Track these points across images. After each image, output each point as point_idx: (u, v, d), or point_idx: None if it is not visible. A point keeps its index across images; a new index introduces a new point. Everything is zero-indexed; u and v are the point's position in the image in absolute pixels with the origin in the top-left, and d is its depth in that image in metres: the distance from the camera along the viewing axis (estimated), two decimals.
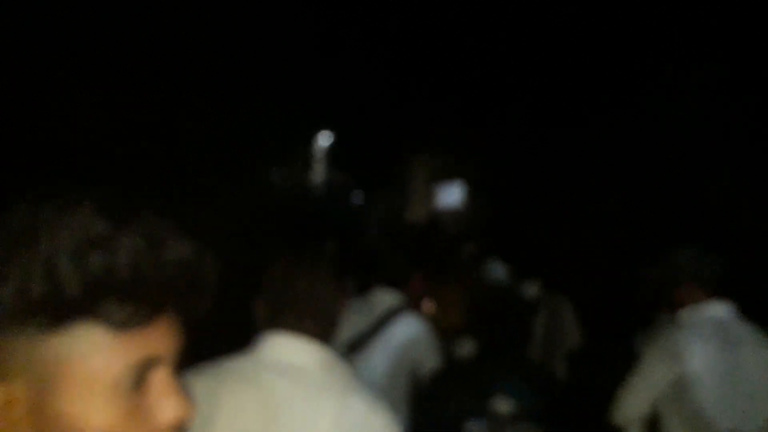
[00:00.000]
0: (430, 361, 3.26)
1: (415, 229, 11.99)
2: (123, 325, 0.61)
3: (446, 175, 20.61)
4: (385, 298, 3.43)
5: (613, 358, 3.84)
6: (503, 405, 2.47)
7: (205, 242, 0.66)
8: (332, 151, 20.40)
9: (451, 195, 21.32)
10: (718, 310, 2.55)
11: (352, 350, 3.18)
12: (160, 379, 0.67)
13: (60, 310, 0.58)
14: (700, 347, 2.39)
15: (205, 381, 1.32)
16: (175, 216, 0.67)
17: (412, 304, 3.73)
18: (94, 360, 0.60)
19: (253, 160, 9.56)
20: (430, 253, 7.31)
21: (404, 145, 20.93)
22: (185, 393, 0.68)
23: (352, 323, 3.16)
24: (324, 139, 19.67)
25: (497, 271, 5.98)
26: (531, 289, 5.44)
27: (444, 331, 4.11)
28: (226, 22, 8.26)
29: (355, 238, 11.22)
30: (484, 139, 18.05)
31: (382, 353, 3.23)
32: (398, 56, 17.23)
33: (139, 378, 0.64)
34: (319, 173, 19.94)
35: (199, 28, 7.72)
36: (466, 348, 3.70)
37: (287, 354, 1.37)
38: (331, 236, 11.30)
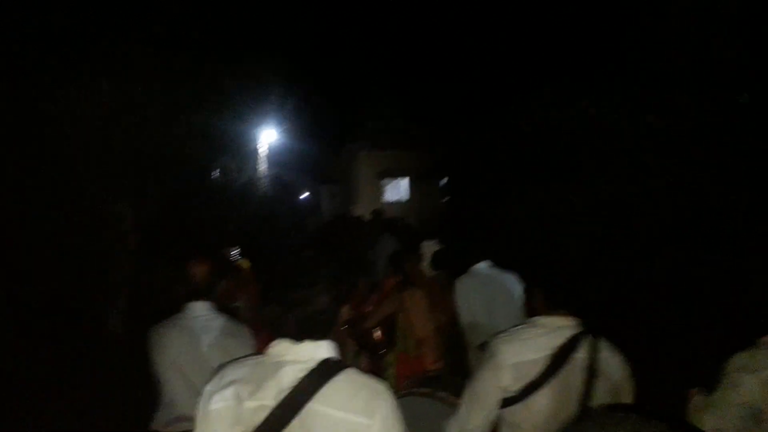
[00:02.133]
0: None
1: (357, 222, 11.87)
2: None
3: (393, 170, 20.75)
4: None
5: None
6: None
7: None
8: (277, 148, 20.18)
9: (398, 190, 21.48)
10: None
11: None
12: None
13: None
14: None
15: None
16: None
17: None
18: None
19: (194, 156, 9.26)
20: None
21: (350, 141, 20.97)
22: None
23: None
24: (269, 137, 19.40)
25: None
26: None
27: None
28: (170, 19, 8.09)
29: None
30: (428, 134, 18.25)
31: None
32: (344, 52, 17.21)
33: None
34: (263, 170, 19.69)
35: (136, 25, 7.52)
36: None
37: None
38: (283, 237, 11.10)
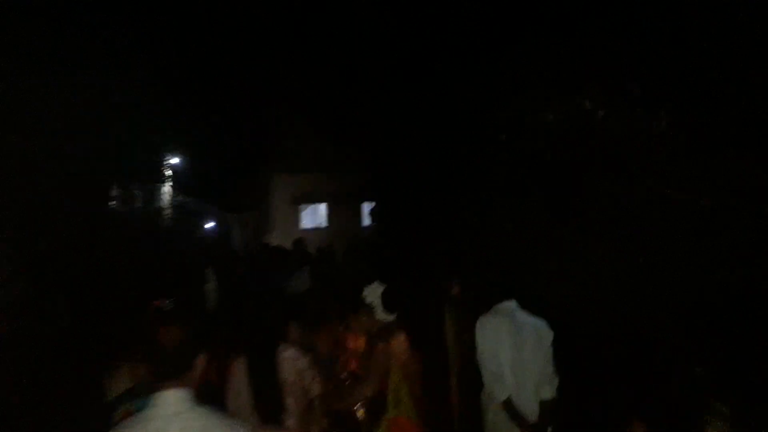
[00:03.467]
0: None
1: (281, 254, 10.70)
2: None
3: (310, 194, 19.44)
4: None
5: None
6: None
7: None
8: (184, 172, 18.28)
9: (316, 216, 20.17)
10: None
11: None
12: None
13: None
14: None
15: None
16: None
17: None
18: None
19: (92, 179, 7.82)
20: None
21: (264, 164, 19.46)
22: None
23: None
24: (174, 160, 17.53)
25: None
26: None
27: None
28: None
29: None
30: (347, 156, 17.23)
31: None
32: (255, 68, 15.90)
33: None
34: (168, 196, 17.72)
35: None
36: None
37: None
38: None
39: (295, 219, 19.85)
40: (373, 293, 3.34)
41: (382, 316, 3.25)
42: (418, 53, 9.83)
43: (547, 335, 3.39)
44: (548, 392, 3.32)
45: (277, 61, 14.36)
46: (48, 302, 6.17)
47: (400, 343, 3.14)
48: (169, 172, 18.04)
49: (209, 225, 21.60)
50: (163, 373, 1.85)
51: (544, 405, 3.31)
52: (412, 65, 10.04)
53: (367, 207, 18.98)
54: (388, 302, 3.35)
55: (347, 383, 3.44)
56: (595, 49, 5.48)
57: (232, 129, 17.95)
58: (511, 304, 3.44)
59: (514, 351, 3.31)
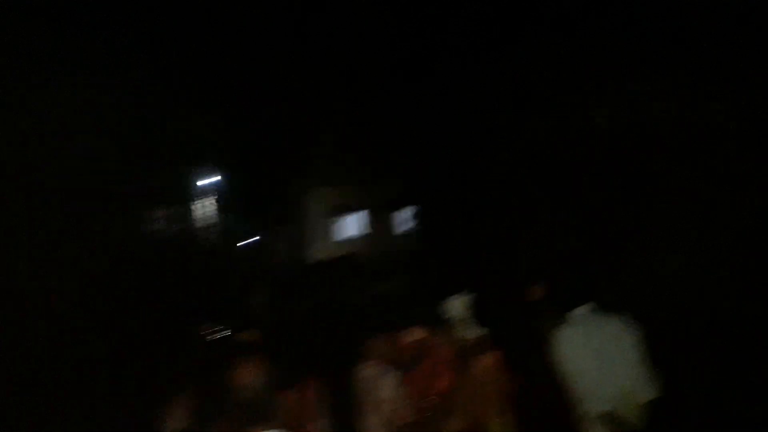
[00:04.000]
0: None
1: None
2: None
3: (347, 205, 19.50)
4: None
5: None
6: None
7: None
8: (219, 189, 18.57)
9: (354, 225, 20.21)
10: None
11: None
12: None
13: None
14: None
15: None
16: None
17: None
18: None
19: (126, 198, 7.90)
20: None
21: (299, 178, 19.62)
22: None
23: None
24: (210, 177, 17.84)
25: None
26: None
27: None
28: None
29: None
30: (382, 166, 17.22)
31: None
32: (285, 82, 16.08)
33: None
34: (205, 214, 18.02)
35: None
36: None
37: None
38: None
39: (330, 230, 19.91)
40: (458, 306, 2.93)
41: (469, 332, 2.87)
42: (447, 57, 9.74)
43: (632, 333, 3.14)
44: (648, 394, 3.09)
45: (310, 77, 14.43)
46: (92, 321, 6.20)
47: (492, 364, 2.79)
48: (204, 189, 18.34)
49: (248, 241, 21.90)
50: (249, 420, 1.53)
51: (645, 408, 3.08)
52: (440, 69, 9.97)
53: (399, 215, 18.93)
54: (479, 315, 2.92)
55: (432, 414, 3.00)
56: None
57: (266, 142, 18.15)
58: (585, 309, 3.19)
59: (600, 359, 3.05)
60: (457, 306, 2.90)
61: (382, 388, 2.62)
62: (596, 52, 5.76)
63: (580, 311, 3.17)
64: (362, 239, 19.55)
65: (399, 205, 17.78)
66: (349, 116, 15.07)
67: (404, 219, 18.05)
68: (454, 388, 2.81)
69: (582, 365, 3.03)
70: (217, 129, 13.58)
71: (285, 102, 15.62)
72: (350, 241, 19.65)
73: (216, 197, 17.60)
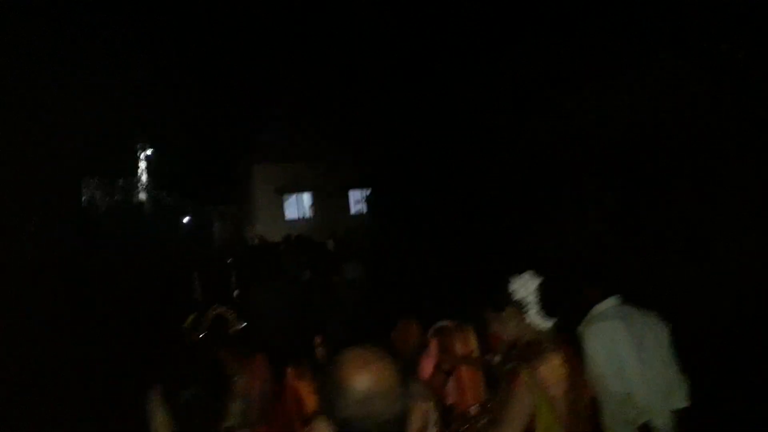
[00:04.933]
0: None
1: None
2: None
3: (294, 185, 18.66)
4: None
5: None
6: None
7: None
8: (159, 166, 17.35)
9: (300, 206, 19.42)
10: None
11: None
12: None
13: None
14: None
15: None
16: None
17: None
18: None
19: (61, 172, 7.11)
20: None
21: (244, 155, 18.61)
22: None
23: None
24: (149, 153, 16.65)
25: None
26: None
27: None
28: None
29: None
30: (333, 145, 16.56)
31: None
32: (233, 55, 15.10)
33: None
34: (143, 191, 16.80)
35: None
36: None
37: None
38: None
39: (279, 210, 19.08)
40: (527, 287, 2.26)
41: (536, 321, 2.23)
42: (402, 43, 9.35)
43: (664, 330, 2.73)
44: (681, 400, 2.71)
45: (256, 50, 13.61)
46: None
47: (554, 368, 2.14)
48: (142, 165, 17.15)
49: (186, 219, 20.62)
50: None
51: (678, 417, 2.69)
52: (399, 55, 9.53)
53: (354, 195, 18.30)
54: (548, 302, 2.24)
55: (478, 424, 2.42)
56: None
57: (211, 119, 17.08)
58: (616, 301, 2.74)
59: (637, 360, 2.64)
60: (528, 286, 2.22)
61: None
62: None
63: (609, 303, 2.74)
64: (312, 220, 18.83)
65: (355, 186, 17.20)
66: (304, 90, 14.31)
67: (360, 200, 17.50)
68: (500, 401, 2.17)
69: (620, 367, 2.61)
70: (159, 100, 12.58)
71: (235, 77, 14.71)
72: (295, 220, 18.89)
73: (156, 173, 16.51)
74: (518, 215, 6.17)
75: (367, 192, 13.44)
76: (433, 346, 2.84)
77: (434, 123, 8.40)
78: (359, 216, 16.79)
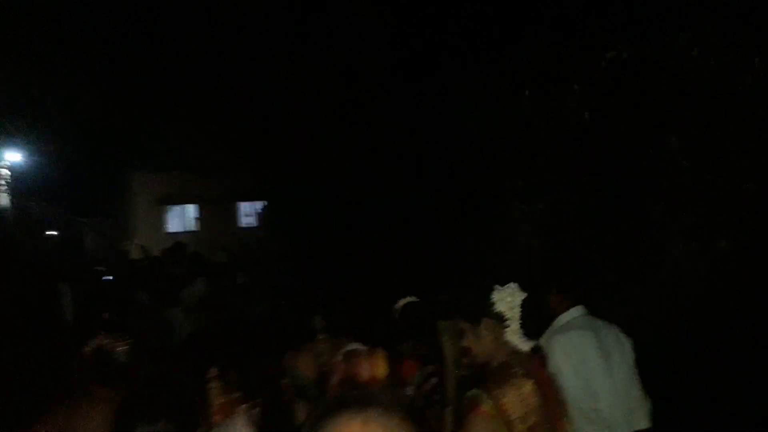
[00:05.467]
0: None
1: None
2: None
3: (177, 195, 17.97)
4: None
5: None
6: None
7: None
8: (23, 173, 15.95)
9: (183, 218, 18.72)
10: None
11: None
12: None
13: None
14: None
15: None
16: None
17: None
18: None
19: None
20: None
21: (122, 164, 17.63)
22: None
23: None
24: (12, 158, 15.29)
25: None
26: None
27: None
28: None
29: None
30: (221, 155, 16.20)
31: None
32: (115, 56, 14.37)
33: None
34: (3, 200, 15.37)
35: None
36: None
37: None
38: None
39: (160, 222, 18.30)
40: (509, 300, 1.98)
41: (514, 340, 1.95)
42: (294, 50, 9.46)
43: (629, 345, 2.62)
44: (643, 421, 2.56)
45: (142, 47, 13.04)
46: None
47: (523, 397, 1.83)
48: (5, 172, 15.80)
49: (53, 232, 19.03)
50: None
51: None
52: (297, 62, 9.60)
53: (244, 208, 17.99)
54: (531, 321, 1.99)
55: None
56: None
57: (85, 124, 16.08)
58: (582, 312, 2.63)
59: (606, 373, 2.51)
60: (511, 299, 1.99)
61: None
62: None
63: (574, 313, 2.64)
64: (189, 232, 18.21)
65: (243, 198, 16.93)
66: (193, 99, 13.95)
67: (238, 212, 17.22)
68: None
69: (588, 381, 2.48)
70: (31, 104, 11.73)
71: (115, 70, 13.95)
72: (177, 233, 18.21)
73: (24, 181, 15.22)
74: (443, 220, 6.35)
75: (258, 204, 13.38)
76: (339, 370, 2.62)
77: (331, 130, 8.60)
78: (249, 229, 16.59)
